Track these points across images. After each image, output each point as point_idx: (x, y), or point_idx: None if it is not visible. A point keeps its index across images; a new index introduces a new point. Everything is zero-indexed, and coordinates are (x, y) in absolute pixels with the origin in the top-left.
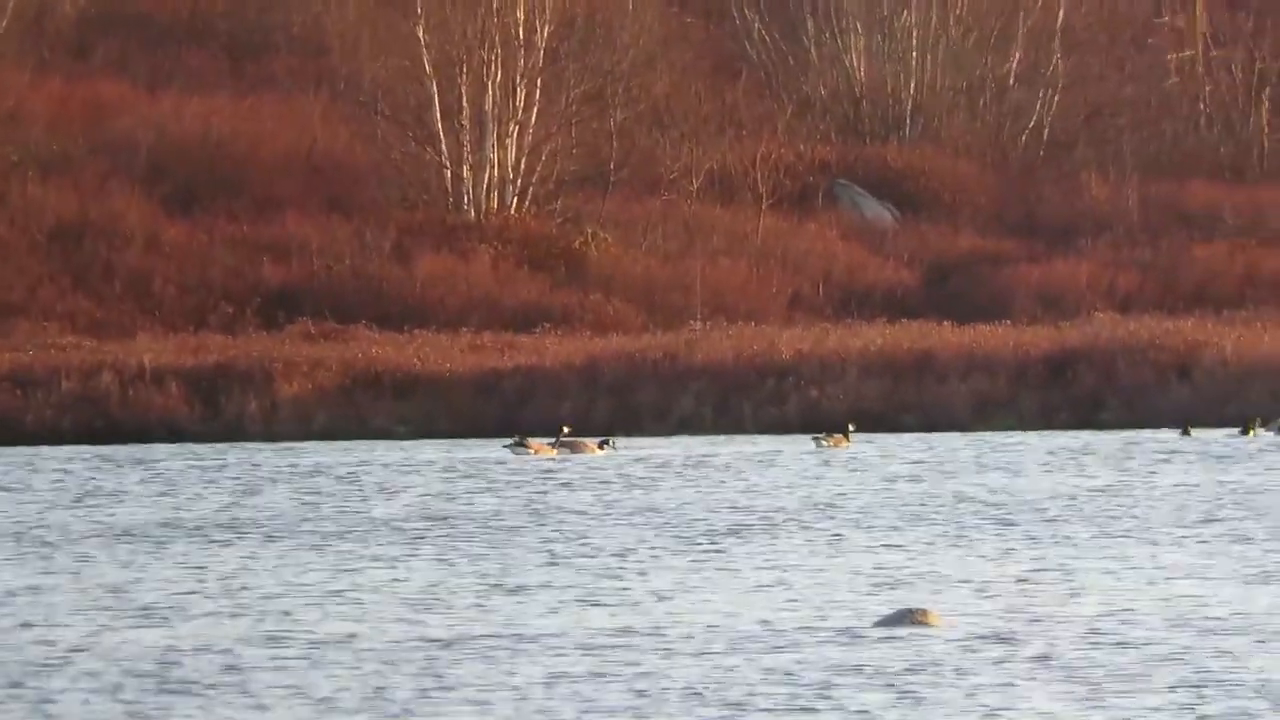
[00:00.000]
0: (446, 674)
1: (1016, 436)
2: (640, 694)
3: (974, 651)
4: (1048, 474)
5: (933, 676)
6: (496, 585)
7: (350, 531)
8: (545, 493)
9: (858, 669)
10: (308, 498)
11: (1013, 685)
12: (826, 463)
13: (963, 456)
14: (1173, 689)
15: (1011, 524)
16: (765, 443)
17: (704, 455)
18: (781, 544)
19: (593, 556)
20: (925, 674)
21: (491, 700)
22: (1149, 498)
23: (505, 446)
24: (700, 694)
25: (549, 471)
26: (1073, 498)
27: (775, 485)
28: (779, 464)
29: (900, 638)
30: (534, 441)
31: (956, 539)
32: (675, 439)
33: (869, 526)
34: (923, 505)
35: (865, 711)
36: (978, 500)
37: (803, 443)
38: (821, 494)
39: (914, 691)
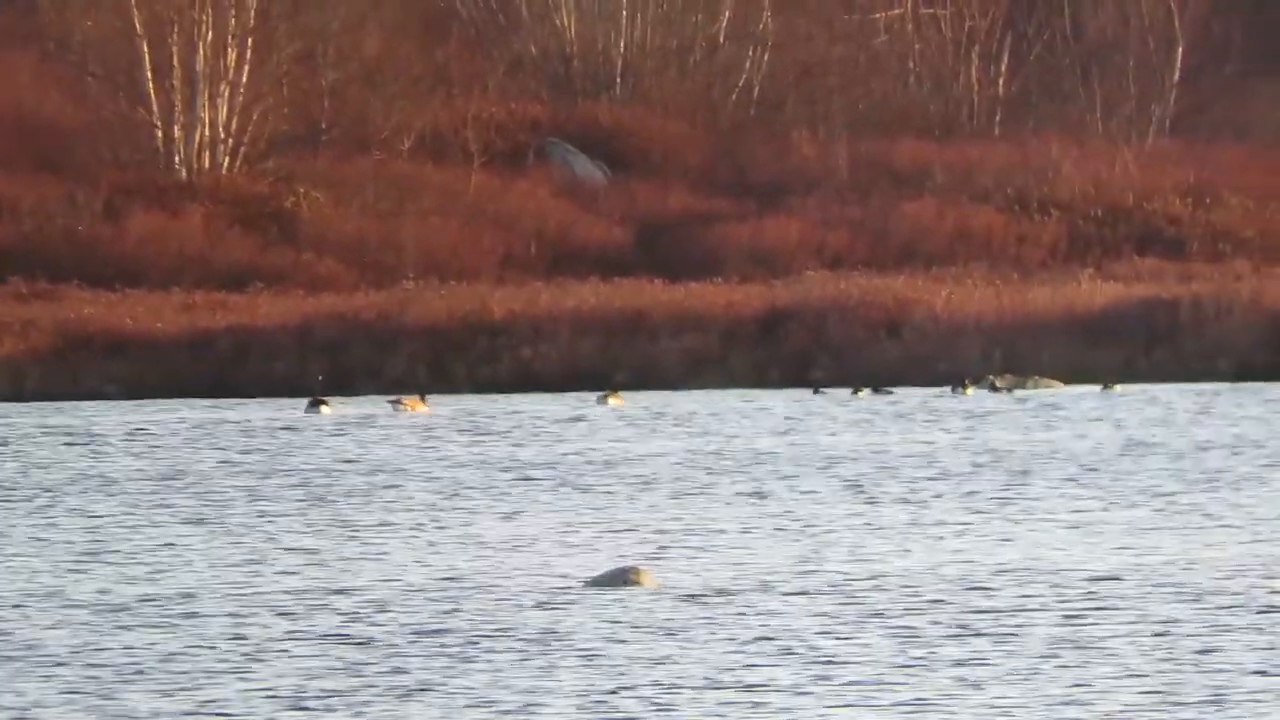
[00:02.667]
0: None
1: (752, 394)
2: (359, 649)
3: (684, 611)
4: (781, 434)
5: (641, 636)
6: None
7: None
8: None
9: (566, 628)
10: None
11: (723, 645)
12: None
13: (682, 413)
14: (881, 644)
15: (743, 481)
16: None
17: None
18: (511, 503)
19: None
20: (633, 633)
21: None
22: (888, 455)
23: (307, 410)
24: (400, 653)
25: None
26: (803, 456)
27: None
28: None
29: (612, 598)
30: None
31: (685, 498)
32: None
33: (599, 486)
34: (655, 464)
35: (569, 669)
36: (711, 458)
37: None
38: (553, 453)
39: (618, 651)
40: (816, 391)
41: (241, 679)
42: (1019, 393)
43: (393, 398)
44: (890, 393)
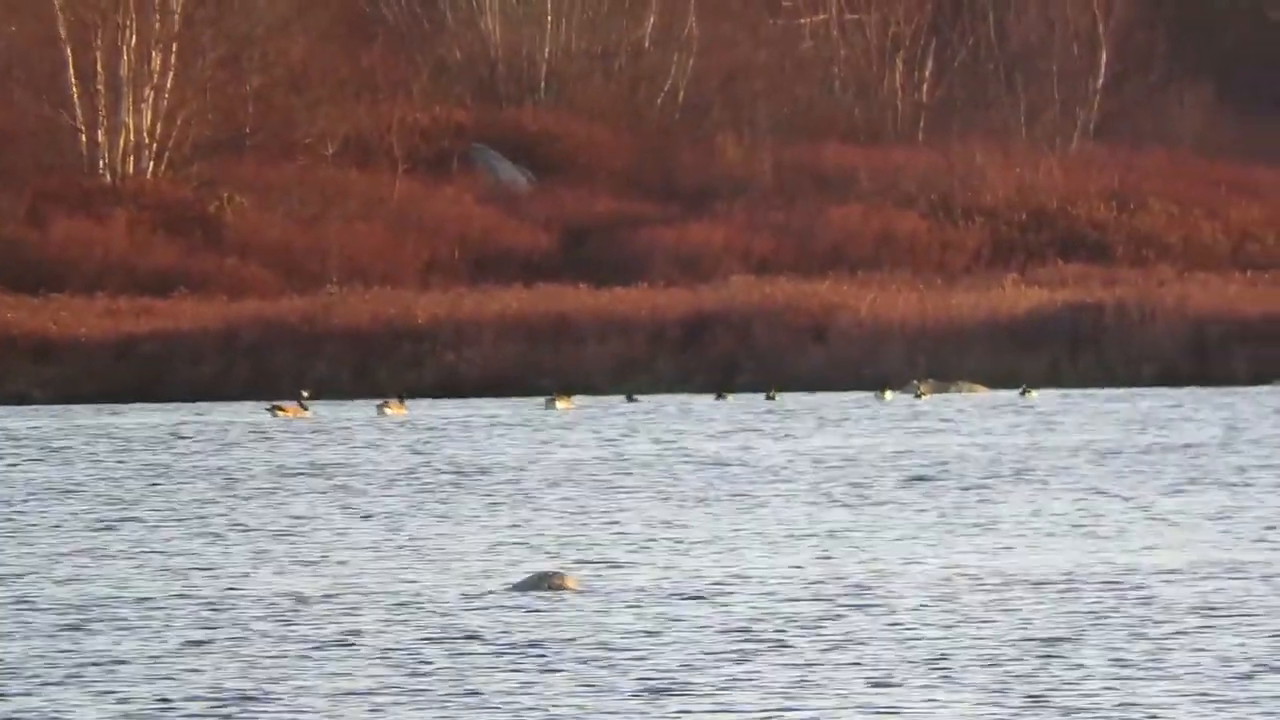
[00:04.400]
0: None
1: (663, 399)
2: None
3: (606, 614)
4: (711, 439)
5: (562, 639)
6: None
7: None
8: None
9: (487, 633)
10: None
11: (643, 648)
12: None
13: (616, 420)
14: (802, 649)
15: (669, 487)
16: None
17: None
18: (447, 507)
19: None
20: (553, 637)
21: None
22: (805, 460)
23: (267, 410)
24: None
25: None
26: (728, 461)
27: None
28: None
29: (534, 602)
30: (288, 405)
31: (608, 503)
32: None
33: (525, 491)
34: (575, 468)
35: (491, 671)
36: (633, 464)
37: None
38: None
39: (538, 655)
40: (719, 396)
41: (150, 683)
42: (940, 397)
43: (379, 401)
44: (772, 397)
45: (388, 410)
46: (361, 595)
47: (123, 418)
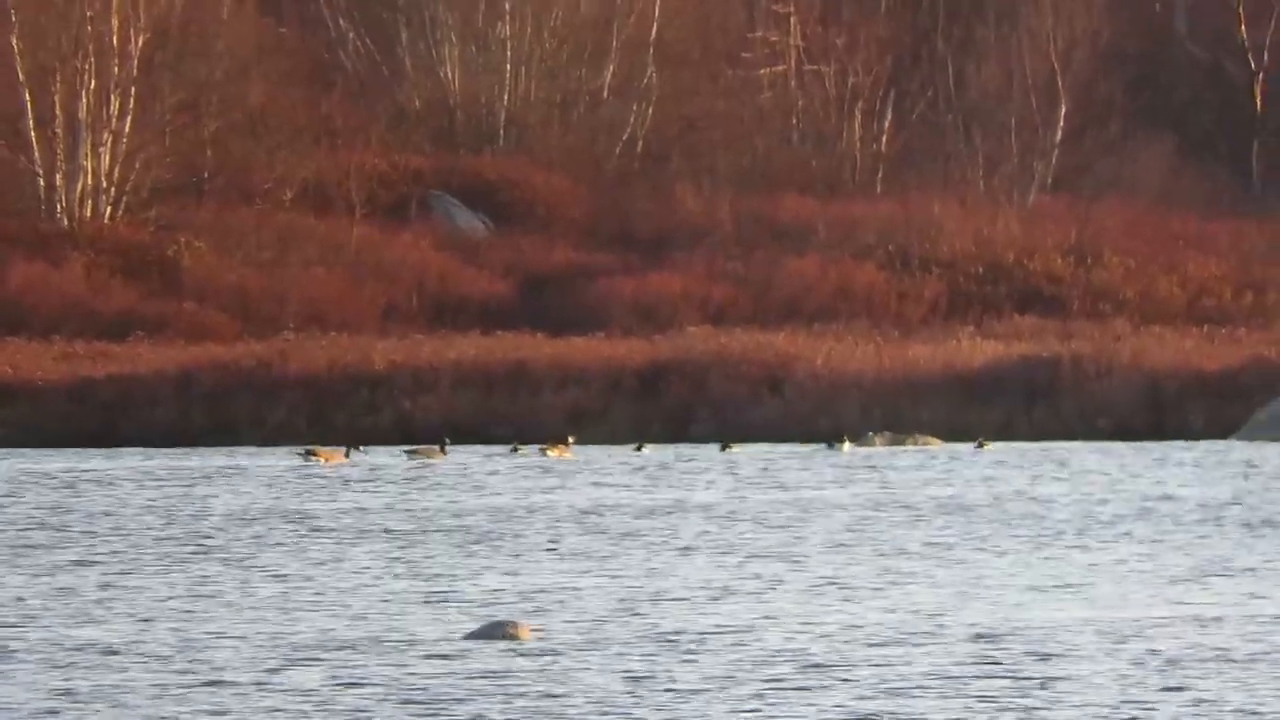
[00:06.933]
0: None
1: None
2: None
3: (557, 664)
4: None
5: (514, 689)
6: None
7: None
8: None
9: (441, 681)
10: None
11: (597, 697)
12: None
13: (563, 470)
14: (749, 695)
15: (618, 537)
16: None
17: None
18: (407, 553)
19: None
20: (505, 686)
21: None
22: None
23: (299, 454)
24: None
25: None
26: (685, 511)
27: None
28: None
29: (487, 651)
30: (324, 450)
31: (563, 553)
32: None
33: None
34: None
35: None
36: (583, 515)
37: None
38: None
39: (496, 704)
40: (638, 449)
41: None
42: (894, 449)
43: (410, 448)
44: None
45: (420, 455)
46: (310, 641)
47: (152, 460)
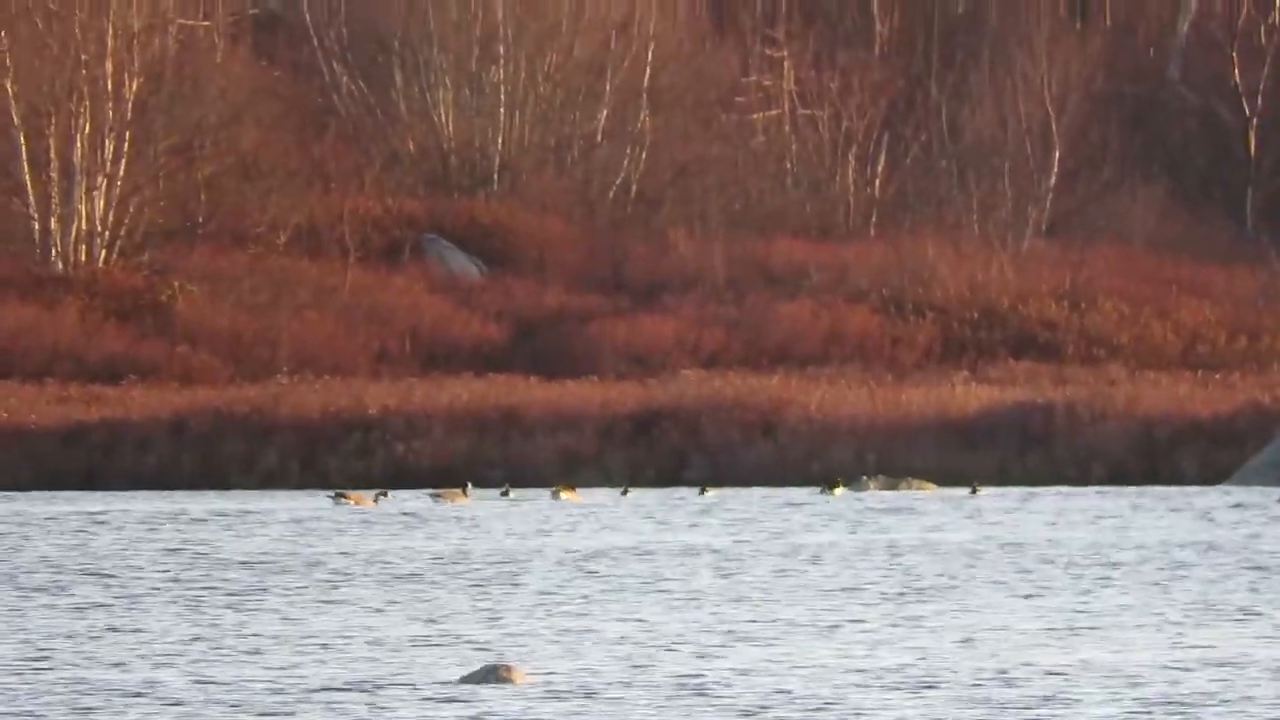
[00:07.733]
0: None
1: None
2: None
3: (553, 707)
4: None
5: None
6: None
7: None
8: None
9: None
10: None
11: None
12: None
13: (549, 515)
14: None
15: (614, 580)
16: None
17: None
18: (390, 594)
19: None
20: None
21: None
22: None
23: (329, 497)
24: None
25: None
26: (685, 556)
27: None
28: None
29: (481, 695)
30: (354, 494)
31: (560, 597)
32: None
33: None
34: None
35: None
36: (575, 558)
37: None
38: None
39: None
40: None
41: None
42: (888, 494)
43: (433, 491)
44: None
45: (443, 499)
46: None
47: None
